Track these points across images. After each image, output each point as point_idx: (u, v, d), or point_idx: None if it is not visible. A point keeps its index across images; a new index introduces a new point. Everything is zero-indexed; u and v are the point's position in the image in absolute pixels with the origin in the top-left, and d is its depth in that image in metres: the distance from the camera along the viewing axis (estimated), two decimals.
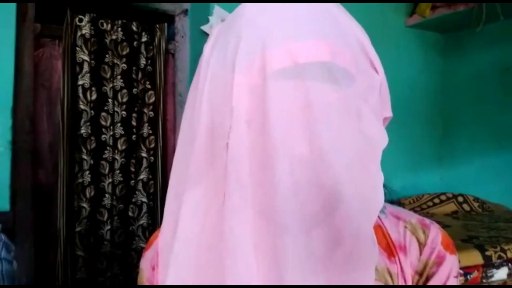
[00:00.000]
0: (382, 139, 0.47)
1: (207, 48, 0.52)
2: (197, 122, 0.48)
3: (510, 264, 1.59)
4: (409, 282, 0.53)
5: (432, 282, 0.54)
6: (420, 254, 0.54)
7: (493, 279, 1.55)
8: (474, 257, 1.51)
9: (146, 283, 0.58)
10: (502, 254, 1.56)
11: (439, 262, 0.54)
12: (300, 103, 0.45)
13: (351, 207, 0.43)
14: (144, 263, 0.60)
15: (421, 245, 0.54)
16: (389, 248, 0.54)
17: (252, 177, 0.44)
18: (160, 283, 0.52)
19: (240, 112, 0.45)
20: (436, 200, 2.39)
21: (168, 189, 0.53)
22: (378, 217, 0.55)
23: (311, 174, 0.44)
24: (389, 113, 0.53)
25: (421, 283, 0.54)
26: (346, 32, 0.50)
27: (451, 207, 2.35)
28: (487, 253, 1.54)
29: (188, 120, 0.51)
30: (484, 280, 1.54)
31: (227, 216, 0.44)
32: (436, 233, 0.55)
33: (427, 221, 0.57)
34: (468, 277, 1.49)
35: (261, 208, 0.44)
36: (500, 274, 1.57)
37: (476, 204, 2.35)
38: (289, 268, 0.43)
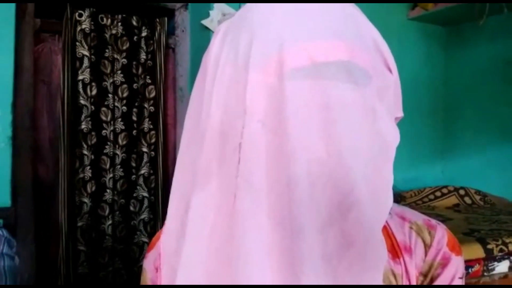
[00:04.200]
0: (395, 139, 0.47)
1: (214, 46, 0.50)
2: (206, 123, 0.47)
3: (511, 257, 1.59)
4: (413, 283, 0.53)
5: (436, 283, 0.53)
6: (425, 255, 0.54)
7: (494, 272, 1.55)
8: (476, 250, 1.51)
9: (150, 284, 0.58)
10: (504, 247, 1.56)
11: (444, 263, 0.53)
12: (318, 103, 0.44)
13: (364, 209, 0.43)
14: (147, 264, 0.59)
15: (427, 246, 0.54)
16: (394, 249, 0.54)
17: (267, 177, 0.43)
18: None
19: (254, 111, 0.44)
20: (438, 193, 2.38)
21: (171, 190, 0.53)
22: None
23: (327, 176, 0.43)
24: (400, 113, 0.52)
25: (425, 284, 0.54)
26: (362, 32, 0.49)
27: (452, 200, 2.35)
28: (489, 246, 1.54)
29: (193, 119, 0.50)
30: (485, 273, 1.54)
31: (238, 218, 0.43)
32: (442, 234, 0.55)
33: (433, 221, 0.57)
34: (470, 270, 1.49)
35: (275, 210, 0.43)
36: (502, 267, 1.57)
37: (477, 197, 2.35)
38: (305, 270, 0.42)
